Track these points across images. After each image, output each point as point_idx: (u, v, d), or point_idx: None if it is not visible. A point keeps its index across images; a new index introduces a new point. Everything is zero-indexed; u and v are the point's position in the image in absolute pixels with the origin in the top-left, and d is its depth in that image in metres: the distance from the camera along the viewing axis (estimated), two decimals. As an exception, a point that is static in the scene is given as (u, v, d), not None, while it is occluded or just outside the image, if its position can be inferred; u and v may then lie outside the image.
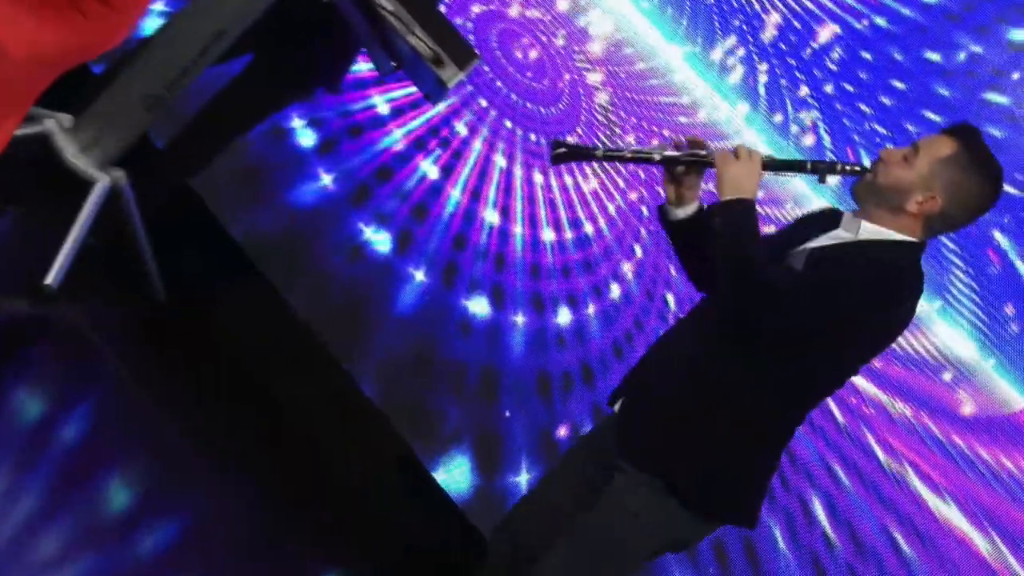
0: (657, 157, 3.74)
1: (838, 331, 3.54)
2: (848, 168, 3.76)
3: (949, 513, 6.87)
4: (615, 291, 7.15)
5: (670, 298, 7.20)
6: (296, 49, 4.91)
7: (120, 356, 4.67)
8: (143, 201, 4.72)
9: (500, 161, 7.17)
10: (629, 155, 3.81)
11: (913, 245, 3.72)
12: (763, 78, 7.35)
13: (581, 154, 3.83)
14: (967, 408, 7.00)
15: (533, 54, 7.68)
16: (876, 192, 3.73)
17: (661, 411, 3.71)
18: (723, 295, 3.60)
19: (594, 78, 7.70)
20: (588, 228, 7.31)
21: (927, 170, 3.68)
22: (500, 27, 7.72)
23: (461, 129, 7.20)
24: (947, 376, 6.99)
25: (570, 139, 3.91)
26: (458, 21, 7.42)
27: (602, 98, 7.71)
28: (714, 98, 7.58)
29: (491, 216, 6.94)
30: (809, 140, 7.49)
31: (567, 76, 7.64)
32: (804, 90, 7.27)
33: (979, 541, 6.71)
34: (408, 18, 4.52)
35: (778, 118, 7.30)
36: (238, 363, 5.06)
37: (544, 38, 7.66)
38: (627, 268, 7.29)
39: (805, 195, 6.83)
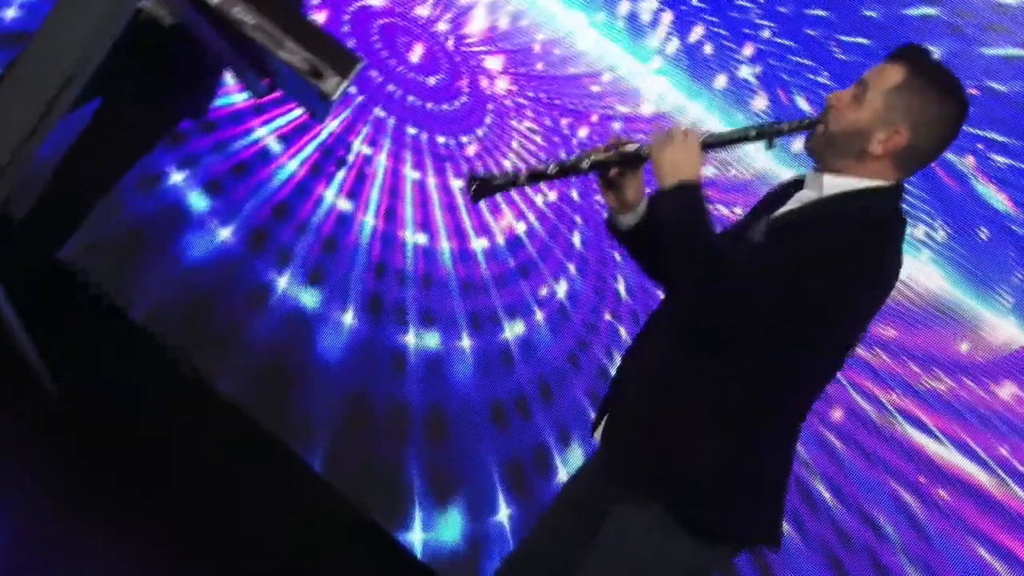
0: (586, 165, 3.52)
1: (816, 312, 3.23)
2: (796, 125, 3.47)
3: (952, 458, 6.37)
4: (560, 291, 6.81)
5: (621, 288, 6.83)
6: (148, 82, 4.62)
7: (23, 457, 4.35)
8: (8, 284, 4.29)
9: (411, 173, 6.87)
10: (554, 171, 3.53)
11: (888, 190, 3.44)
12: (694, 37, 6.77)
13: (502, 185, 3.55)
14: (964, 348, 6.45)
15: (420, 48, 7.23)
16: (833, 143, 3.46)
17: (644, 434, 3.42)
18: (680, 293, 3.34)
19: (493, 64, 7.15)
20: (519, 227, 6.98)
21: (881, 104, 3.42)
22: (379, 23, 7.27)
23: (360, 146, 6.89)
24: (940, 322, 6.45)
25: (492, 171, 3.60)
26: (326, 22, 7.07)
27: (503, 84, 7.25)
28: (635, 66, 7.03)
29: (411, 236, 6.63)
30: (761, 103, 6.81)
31: (463, 64, 7.21)
32: (747, 47, 6.74)
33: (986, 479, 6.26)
34: (274, 30, 4.14)
35: (721, 82, 6.77)
36: (163, 446, 4.79)
37: (429, 26, 7.22)
38: (569, 265, 6.94)
39: (771, 171, 6.31)
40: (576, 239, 6.93)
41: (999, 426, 6.15)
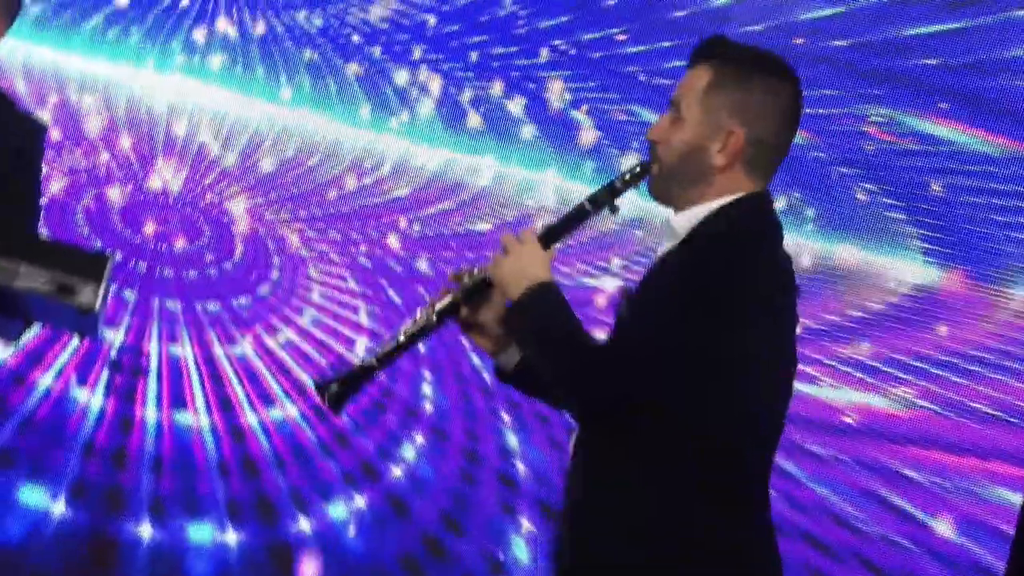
0: (435, 319, 3.35)
1: (705, 357, 3.00)
2: (629, 177, 3.28)
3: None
4: (427, 408, 6.47)
5: (485, 374, 6.47)
6: None
7: None
8: None
9: (185, 351, 6.53)
10: (405, 339, 3.37)
11: (747, 199, 3.19)
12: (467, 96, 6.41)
13: (358, 380, 3.37)
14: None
15: (174, 218, 6.78)
16: (674, 176, 3.22)
17: (580, 551, 3.19)
18: (566, 393, 3.14)
19: (233, 191, 6.73)
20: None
21: (701, 112, 3.20)
22: (117, 207, 6.76)
23: (120, 338, 6.56)
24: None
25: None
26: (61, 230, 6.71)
27: (240, 205, 6.75)
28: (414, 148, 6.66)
29: (205, 422, 6.37)
30: (589, 137, 6.43)
31: (198, 210, 6.75)
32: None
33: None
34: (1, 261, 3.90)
35: (527, 133, 6.42)
36: None
37: (145, 177, 6.75)
38: (424, 380, 6.57)
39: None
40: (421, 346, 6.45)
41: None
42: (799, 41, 5.99)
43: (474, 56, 6.45)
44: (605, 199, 3.26)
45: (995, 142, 5.88)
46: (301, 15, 6.54)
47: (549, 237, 3.26)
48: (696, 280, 3.02)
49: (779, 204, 3.34)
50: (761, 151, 3.19)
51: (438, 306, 3.34)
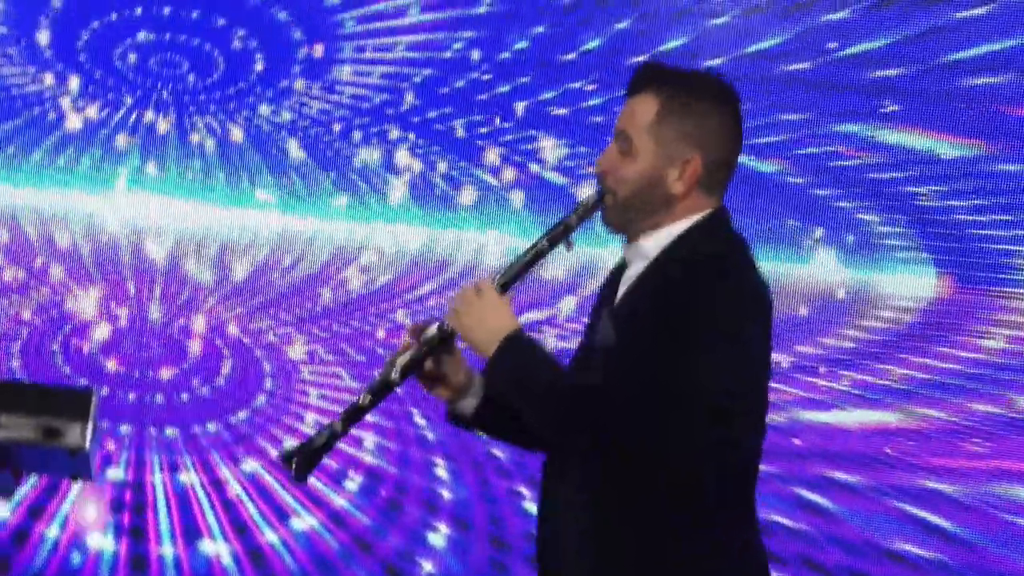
0: (396, 376, 3.36)
1: (689, 385, 3.06)
2: (583, 211, 3.32)
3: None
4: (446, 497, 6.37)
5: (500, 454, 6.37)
6: None
7: None
8: None
9: (191, 478, 6.44)
10: (368, 402, 3.39)
11: (708, 219, 3.27)
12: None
13: (323, 447, 3.37)
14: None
15: (154, 343, 6.65)
16: (631, 206, 3.28)
17: None
18: (554, 438, 3.22)
19: (210, 304, 6.64)
20: (353, 483, 6.47)
21: (654, 144, 3.25)
22: (97, 342, 6.63)
23: (119, 474, 6.44)
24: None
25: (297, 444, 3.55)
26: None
27: (221, 318, 6.67)
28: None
29: (223, 548, 6.31)
30: (517, 198, 6.38)
31: (180, 330, 6.64)
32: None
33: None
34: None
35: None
36: None
37: (119, 305, 6.61)
38: (437, 466, 6.48)
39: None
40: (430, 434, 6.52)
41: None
42: (762, 68, 6.02)
43: (439, 127, 6.42)
44: (560, 235, 3.29)
45: (966, 143, 5.95)
46: (241, 116, 6.48)
47: (507, 282, 3.29)
48: (676, 307, 3.08)
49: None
50: (717, 172, 3.26)
51: (400, 362, 3.34)
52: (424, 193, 6.47)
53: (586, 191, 3.40)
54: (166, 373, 6.54)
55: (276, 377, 6.55)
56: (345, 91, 6.45)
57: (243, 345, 6.58)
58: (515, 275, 3.32)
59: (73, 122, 6.40)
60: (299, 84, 6.37)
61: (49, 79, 6.34)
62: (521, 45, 6.25)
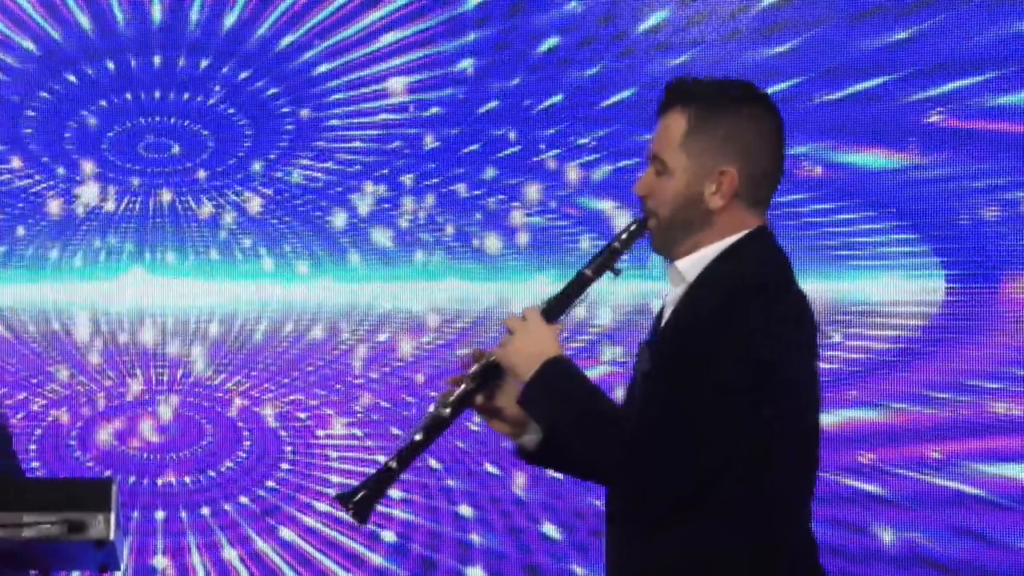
0: (448, 413, 3.28)
1: (738, 419, 2.98)
2: (627, 237, 3.24)
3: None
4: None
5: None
6: None
7: None
8: None
9: (230, 554, 6.39)
10: (421, 438, 3.30)
11: (750, 237, 3.16)
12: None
13: (380, 487, 3.30)
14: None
15: (170, 420, 6.61)
16: (674, 225, 3.18)
17: None
18: (600, 474, 3.14)
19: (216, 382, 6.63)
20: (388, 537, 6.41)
21: (686, 158, 3.15)
22: (105, 435, 6.58)
23: (162, 563, 6.38)
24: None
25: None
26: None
27: (227, 395, 6.65)
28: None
29: None
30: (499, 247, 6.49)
31: (188, 407, 6.62)
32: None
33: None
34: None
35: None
36: None
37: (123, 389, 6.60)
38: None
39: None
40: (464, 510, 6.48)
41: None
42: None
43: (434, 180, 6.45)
44: (606, 263, 3.22)
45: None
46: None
47: (552, 311, 3.22)
48: (705, 349, 2.99)
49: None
50: (757, 182, 3.16)
51: (451, 399, 3.27)
52: (402, 251, 6.51)
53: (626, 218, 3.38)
54: (174, 453, 6.60)
55: (295, 460, 6.58)
56: (336, 156, 6.49)
57: (263, 424, 6.61)
58: (561, 305, 3.27)
59: (60, 209, 6.45)
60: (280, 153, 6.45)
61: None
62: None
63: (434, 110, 6.34)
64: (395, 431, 6.50)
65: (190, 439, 6.58)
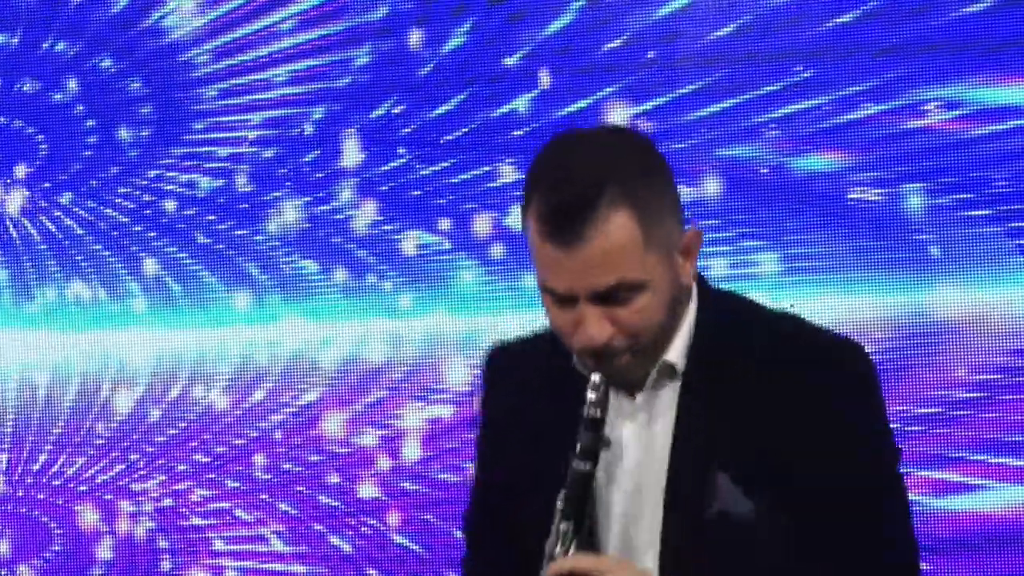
0: None
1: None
2: (598, 400, 2.63)
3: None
4: None
5: None
6: None
7: None
8: None
9: None
10: None
11: (704, 293, 2.74)
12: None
13: None
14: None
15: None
16: (663, 335, 2.66)
17: None
18: None
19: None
20: None
21: (655, 257, 2.60)
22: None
23: None
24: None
25: None
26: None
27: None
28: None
29: None
30: None
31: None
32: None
33: None
34: None
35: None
36: None
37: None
38: None
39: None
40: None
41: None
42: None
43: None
44: (596, 442, 2.66)
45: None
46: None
47: (573, 515, 2.68)
48: (878, 429, 2.65)
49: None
50: (679, 223, 2.70)
51: None
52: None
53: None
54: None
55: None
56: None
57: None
58: (577, 508, 2.69)
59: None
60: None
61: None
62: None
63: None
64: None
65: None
